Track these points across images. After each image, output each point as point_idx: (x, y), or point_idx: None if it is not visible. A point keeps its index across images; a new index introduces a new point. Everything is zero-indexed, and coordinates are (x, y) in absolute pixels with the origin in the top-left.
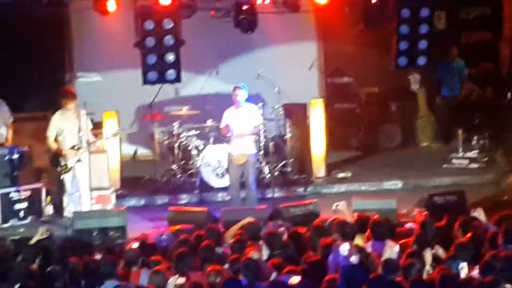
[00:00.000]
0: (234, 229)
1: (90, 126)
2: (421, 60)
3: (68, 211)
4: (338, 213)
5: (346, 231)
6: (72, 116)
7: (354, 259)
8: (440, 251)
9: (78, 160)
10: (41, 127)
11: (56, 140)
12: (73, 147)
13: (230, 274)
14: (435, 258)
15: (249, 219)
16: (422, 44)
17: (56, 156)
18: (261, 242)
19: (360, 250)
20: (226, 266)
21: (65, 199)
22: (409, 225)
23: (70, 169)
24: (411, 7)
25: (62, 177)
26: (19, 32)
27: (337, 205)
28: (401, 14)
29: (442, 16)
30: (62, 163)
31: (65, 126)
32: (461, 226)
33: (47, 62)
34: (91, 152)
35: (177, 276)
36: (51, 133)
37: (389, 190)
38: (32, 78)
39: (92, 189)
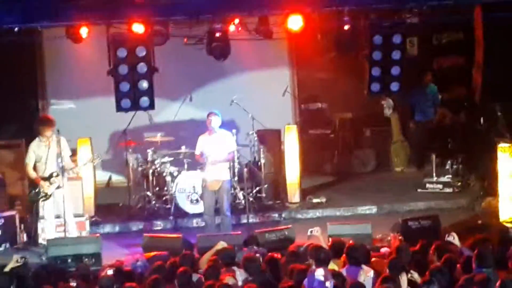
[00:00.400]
0: (208, 255)
1: (69, 152)
2: (394, 86)
3: (43, 238)
4: (313, 239)
5: (321, 256)
6: (51, 143)
7: (329, 284)
8: (415, 276)
9: (58, 187)
10: (14, 154)
11: (35, 167)
12: (51, 174)
13: None
14: (411, 283)
15: (222, 244)
16: (395, 70)
17: (36, 183)
18: (235, 267)
19: (335, 275)
20: None
21: (40, 226)
22: (384, 249)
23: (50, 195)
24: (383, 34)
25: (42, 203)
26: None
27: (311, 231)
28: (374, 40)
29: (415, 42)
30: (42, 190)
31: (43, 153)
32: (436, 250)
33: (20, 90)
34: (68, 178)
35: None
36: (29, 160)
37: (364, 215)
38: (5, 105)
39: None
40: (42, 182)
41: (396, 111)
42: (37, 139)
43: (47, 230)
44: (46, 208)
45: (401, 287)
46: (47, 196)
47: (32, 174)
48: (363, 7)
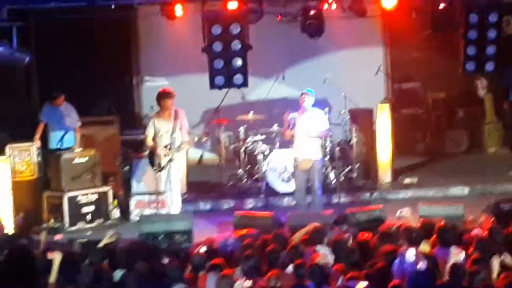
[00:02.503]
0: (299, 234)
1: (187, 126)
2: (489, 66)
3: (135, 214)
4: (402, 220)
5: (413, 236)
6: (169, 116)
7: (421, 265)
8: (507, 259)
9: (170, 160)
10: (108, 131)
11: (154, 139)
12: (165, 146)
13: (293, 278)
14: (503, 265)
15: (314, 224)
16: (490, 50)
17: (151, 155)
18: (325, 247)
19: (427, 256)
20: (290, 270)
21: (132, 203)
22: (476, 231)
23: (163, 168)
24: (479, 12)
25: (158, 174)
26: (88, 37)
27: (401, 212)
28: (469, 19)
29: (511, 21)
30: (156, 161)
31: (161, 125)
32: None
33: (114, 67)
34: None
35: (243, 279)
36: (148, 132)
37: (456, 196)
38: (100, 82)
39: (159, 193)
40: (158, 151)
41: (490, 92)
42: (156, 112)
43: (169, 202)
44: (162, 181)
45: (492, 269)
46: (160, 168)
47: (150, 144)
48: None
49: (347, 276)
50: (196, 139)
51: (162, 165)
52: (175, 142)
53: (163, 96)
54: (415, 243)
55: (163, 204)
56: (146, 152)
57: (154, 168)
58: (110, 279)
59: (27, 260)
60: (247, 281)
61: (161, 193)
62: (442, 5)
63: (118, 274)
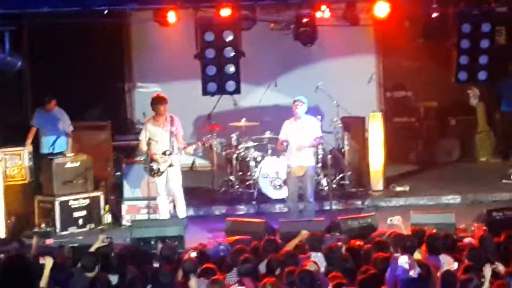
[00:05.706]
0: (293, 242)
1: (182, 132)
2: (482, 75)
3: (127, 220)
4: (393, 227)
5: (407, 244)
6: (164, 122)
7: (413, 273)
8: (500, 267)
9: (170, 165)
10: (100, 136)
11: (148, 144)
12: (164, 152)
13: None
14: (495, 274)
15: (305, 233)
16: (483, 59)
17: (149, 160)
18: (319, 253)
19: (420, 264)
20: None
21: (124, 208)
22: (467, 240)
23: (162, 173)
24: (471, 22)
25: (154, 180)
26: (80, 42)
27: (391, 220)
28: (462, 29)
29: (503, 31)
30: (154, 167)
31: (156, 131)
32: None
33: (107, 72)
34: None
35: (236, 285)
36: (142, 137)
37: (448, 205)
38: (92, 87)
39: (150, 199)
40: (156, 157)
41: (482, 101)
42: (152, 117)
43: (160, 207)
44: (159, 186)
45: (484, 278)
46: (159, 173)
47: (145, 148)
48: None
49: (339, 282)
50: (195, 147)
51: (162, 170)
52: (174, 147)
53: (156, 102)
54: (409, 251)
55: (155, 210)
56: (143, 158)
57: (152, 173)
58: (107, 284)
59: (22, 266)
60: (240, 287)
61: (153, 199)
62: (434, 14)
63: (113, 279)
